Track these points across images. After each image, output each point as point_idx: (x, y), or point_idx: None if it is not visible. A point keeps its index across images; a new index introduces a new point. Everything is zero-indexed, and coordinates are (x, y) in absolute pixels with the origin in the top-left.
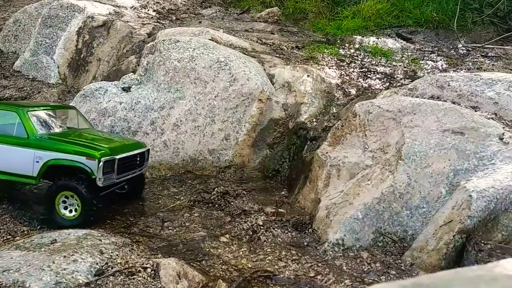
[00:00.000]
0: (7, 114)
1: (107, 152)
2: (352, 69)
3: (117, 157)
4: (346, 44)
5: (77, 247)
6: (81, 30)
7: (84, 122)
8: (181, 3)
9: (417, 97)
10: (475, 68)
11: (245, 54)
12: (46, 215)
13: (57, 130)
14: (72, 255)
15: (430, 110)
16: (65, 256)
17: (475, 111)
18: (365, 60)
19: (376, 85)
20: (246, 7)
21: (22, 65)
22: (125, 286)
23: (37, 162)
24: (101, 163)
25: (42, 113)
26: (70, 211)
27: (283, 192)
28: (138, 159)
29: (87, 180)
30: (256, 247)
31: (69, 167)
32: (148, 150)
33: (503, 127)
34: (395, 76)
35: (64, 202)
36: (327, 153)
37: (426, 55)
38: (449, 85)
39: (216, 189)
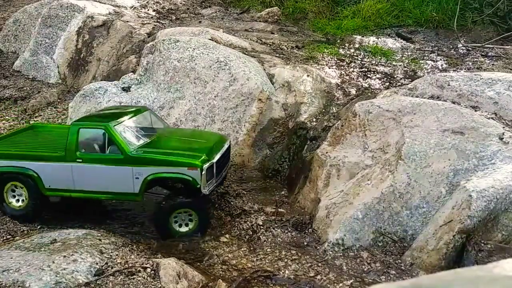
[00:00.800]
0: (94, 132)
1: (205, 158)
2: (352, 69)
3: (215, 160)
4: (346, 44)
5: (77, 247)
6: (81, 30)
7: (158, 121)
8: (181, 3)
9: (417, 97)
10: (475, 68)
11: (245, 54)
12: (160, 229)
13: (144, 139)
14: (72, 255)
15: (430, 110)
16: (65, 256)
17: (475, 111)
18: (365, 60)
19: (376, 85)
20: (246, 6)
21: (22, 65)
22: (125, 286)
23: (137, 178)
24: (204, 171)
25: (126, 124)
26: (186, 224)
27: (283, 192)
28: (226, 155)
29: (194, 190)
30: (256, 247)
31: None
32: (230, 141)
33: (503, 127)
34: (395, 76)
35: (176, 216)
36: (327, 153)
37: (426, 54)
38: (449, 85)
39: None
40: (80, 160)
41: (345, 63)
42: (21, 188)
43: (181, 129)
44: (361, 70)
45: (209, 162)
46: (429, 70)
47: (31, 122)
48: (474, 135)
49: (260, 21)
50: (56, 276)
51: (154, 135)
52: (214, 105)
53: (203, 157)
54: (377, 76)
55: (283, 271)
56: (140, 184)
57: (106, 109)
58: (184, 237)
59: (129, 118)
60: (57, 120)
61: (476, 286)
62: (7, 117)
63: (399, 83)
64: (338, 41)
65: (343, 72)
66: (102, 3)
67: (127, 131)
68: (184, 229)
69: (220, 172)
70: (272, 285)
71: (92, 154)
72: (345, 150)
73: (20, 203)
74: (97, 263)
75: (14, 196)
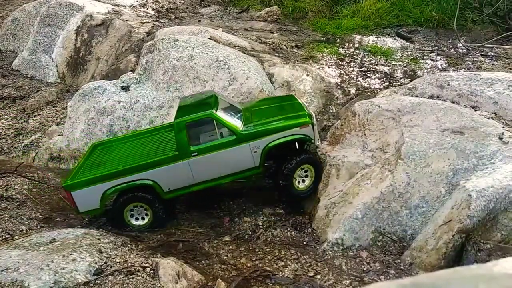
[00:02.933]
0: (201, 122)
1: (310, 114)
2: (351, 68)
3: (312, 113)
4: (345, 43)
5: (76, 246)
6: (80, 29)
7: (226, 100)
8: (180, 2)
9: (416, 96)
10: (475, 68)
11: (244, 53)
12: (285, 188)
13: (239, 116)
14: (71, 254)
15: (430, 110)
16: (64, 255)
17: (475, 110)
18: (365, 59)
19: (375, 84)
20: (246, 6)
21: (21, 64)
22: (124, 285)
23: (255, 152)
24: (315, 125)
25: (219, 107)
26: (303, 181)
27: None
28: None
29: (306, 148)
30: (255, 246)
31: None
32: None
33: (503, 127)
34: (395, 76)
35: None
36: (326, 152)
37: (426, 54)
38: (448, 85)
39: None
40: (196, 154)
41: (344, 62)
42: (140, 207)
43: (252, 102)
44: (360, 69)
45: (313, 117)
46: (428, 69)
47: (29, 121)
48: (474, 135)
49: (259, 20)
50: (55, 275)
51: (241, 112)
52: None
53: (307, 114)
54: (377, 75)
55: (282, 270)
56: (259, 156)
57: (184, 101)
58: (302, 193)
59: (215, 102)
60: (56, 119)
61: (476, 284)
62: (5, 116)
63: (399, 83)
64: (338, 40)
65: (342, 72)
66: (101, 2)
67: (225, 113)
68: (302, 185)
69: None
70: (271, 284)
71: (206, 144)
72: (345, 149)
73: (140, 222)
74: (96, 263)
75: (133, 216)
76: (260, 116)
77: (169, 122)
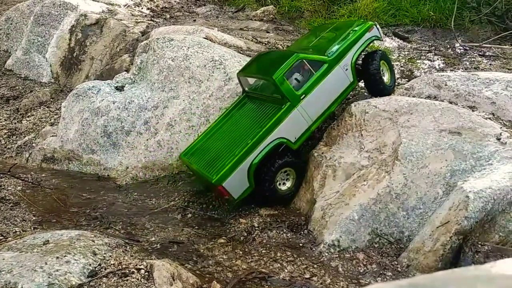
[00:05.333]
0: (294, 66)
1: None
2: None
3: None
4: None
5: (69, 248)
6: (74, 28)
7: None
8: (175, 1)
9: (413, 96)
10: (473, 68)
11: (240, 53)
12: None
13: (311, 53)
14: (65, 256)
15: (427, 110)
16: (57, 257)
17: (473, 111)
18: None
19: None
20: (241, 5)
21: (14, 63)
22: (118, 287)
23: (346, 69)
24: (376, 25)
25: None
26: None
27: None
28: None
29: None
30: (250, 248)
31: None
32: None
33: (501, 127)
34: None
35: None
36: (322, 153)
37: (423, 54)
38: (446, 85)
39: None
40: (303, 96)
41: None
42: (283, 173)
43: (297, 44)
44: None
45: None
46: (426, 69)
47: (23, 122)
48: (472, 136)
49: (255, 19)
50: (49, 277)
51: (308, 47)
52: (209, 104)
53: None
54: None
55: (278, 272)
56: (351, 71)
57: (250, 63)
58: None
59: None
60: (50, 120)
61: (474, 285)
62: None
63: (396, 83)
64: None
65: None
66: (96, 1)
67: (302, 51)
68: (386, 77)
69: None
70: (267, 286)
71: (306, 84)
72: (341, 150)
73: (287, 185)
74: (90, 264)
75: (279, 184)
76: (327, 44)
77: (224, 110)
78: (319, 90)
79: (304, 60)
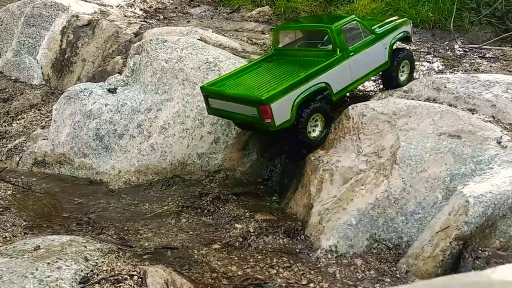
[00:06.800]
0: (350, 25)
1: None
2: None
3: None
4: None
5: (61, 254)
6: (65, 30)
7: None
8: (168, 2)
9: (412, 99)
10: (472, 70)
11: (235, 54)
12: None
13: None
14: (56, 262)
15: (426, 113)
16: (49, 263)
17: (472, 113)
18: None
19: (370, 86)
20: (236, 6)
21: (4, 65)
22: None
23: (385, 48)
24: (411, 23)
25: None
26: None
27: (274, 197)
28: None
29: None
30: (246, 254)
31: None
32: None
33: (501, 130)
34: None
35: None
36: (319, 157)
37: (422, 56)
38: (445, 87)
39: (205, 194)
40: (352, 53)
41: None
42: (313, 119)
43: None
44: None
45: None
46: (425, 71)
47: (13, 125)
48: (471, 139)
49: (250, 20)
50: (40, 284)
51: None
52: (203, 107)
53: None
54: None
55: (274, 279)
56: (388, 52)
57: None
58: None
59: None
60: (40, 123)
61: None
62: None
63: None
64: None
65: None
66: (88, 1)
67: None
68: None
69: None
70: None
71: (357, 44)
72: (339, 154)
73: (316, 133)
74: (82, 271)
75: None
76: (373, 23)
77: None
78: (364, 54)
79: (358, 23)
